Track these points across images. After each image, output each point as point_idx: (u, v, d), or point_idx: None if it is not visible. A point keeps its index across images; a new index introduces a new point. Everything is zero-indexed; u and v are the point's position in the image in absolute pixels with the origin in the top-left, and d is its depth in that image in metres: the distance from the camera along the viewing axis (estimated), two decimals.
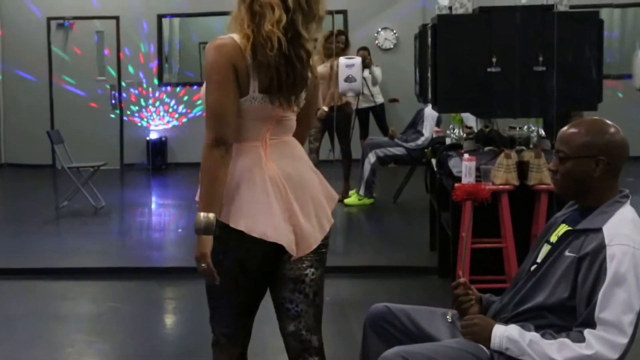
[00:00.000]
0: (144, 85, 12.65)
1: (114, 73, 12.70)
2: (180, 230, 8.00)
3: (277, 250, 2.63)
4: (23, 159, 12.62)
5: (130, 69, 12.65)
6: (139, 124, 12.67)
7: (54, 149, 9.52)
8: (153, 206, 9.94)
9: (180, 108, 12.70)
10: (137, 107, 12.69)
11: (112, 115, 12.61)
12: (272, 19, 2.54)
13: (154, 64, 12.69)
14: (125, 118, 12.66)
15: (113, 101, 12.63)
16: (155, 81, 12.71)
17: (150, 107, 12.70)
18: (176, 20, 13.61)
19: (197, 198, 2.62)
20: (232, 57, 2.53)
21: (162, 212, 9.52)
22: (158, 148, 12.38)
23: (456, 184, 4.48)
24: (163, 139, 12.57)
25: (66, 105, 12.60)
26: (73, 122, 12.19)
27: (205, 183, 2.54)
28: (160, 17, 12.68)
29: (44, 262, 6.62)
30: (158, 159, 12.33)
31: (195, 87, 12.67)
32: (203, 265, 2.55)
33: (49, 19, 12.58)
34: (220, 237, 2.58)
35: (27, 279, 6.31)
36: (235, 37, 2.57)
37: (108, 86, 12.59)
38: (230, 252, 2.62)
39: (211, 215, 2.52)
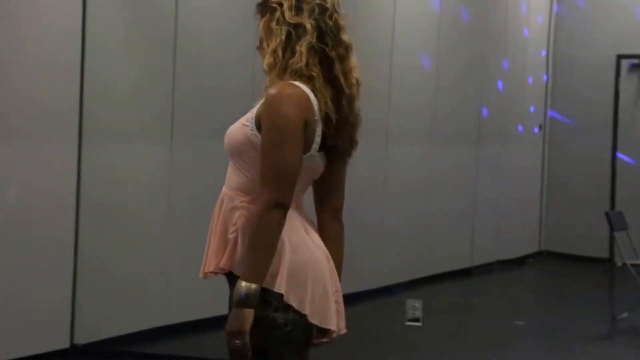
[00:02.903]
0: None
1: None
2: None
3: None
4: (568, 247, 12.14)
5: None
6: None
7: (614, 237, 9.24)
8: None
9: None
10: None
11: None
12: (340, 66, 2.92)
13: None
14: None
15: None
16: None
17: None
18: None
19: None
20: (304, 111, 2.82)
21: None
22: None
23: None
24: None
25: (631, 178, 11.85)
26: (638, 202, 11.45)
27: (255, 248, 2.76)
28: None
29: None
30: None
31: None
32: (237, 342, 2.75)
33: (619, 57, 11.86)
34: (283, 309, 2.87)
35: None
36: (301, 85, 2.83)
37: None
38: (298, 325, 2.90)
39: (253, 285, 2.74)
